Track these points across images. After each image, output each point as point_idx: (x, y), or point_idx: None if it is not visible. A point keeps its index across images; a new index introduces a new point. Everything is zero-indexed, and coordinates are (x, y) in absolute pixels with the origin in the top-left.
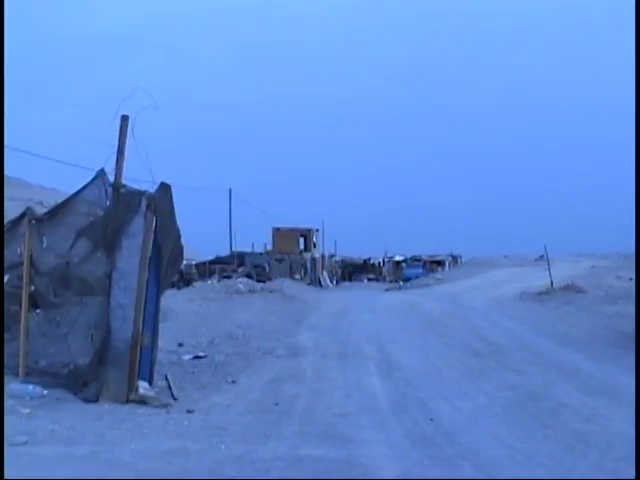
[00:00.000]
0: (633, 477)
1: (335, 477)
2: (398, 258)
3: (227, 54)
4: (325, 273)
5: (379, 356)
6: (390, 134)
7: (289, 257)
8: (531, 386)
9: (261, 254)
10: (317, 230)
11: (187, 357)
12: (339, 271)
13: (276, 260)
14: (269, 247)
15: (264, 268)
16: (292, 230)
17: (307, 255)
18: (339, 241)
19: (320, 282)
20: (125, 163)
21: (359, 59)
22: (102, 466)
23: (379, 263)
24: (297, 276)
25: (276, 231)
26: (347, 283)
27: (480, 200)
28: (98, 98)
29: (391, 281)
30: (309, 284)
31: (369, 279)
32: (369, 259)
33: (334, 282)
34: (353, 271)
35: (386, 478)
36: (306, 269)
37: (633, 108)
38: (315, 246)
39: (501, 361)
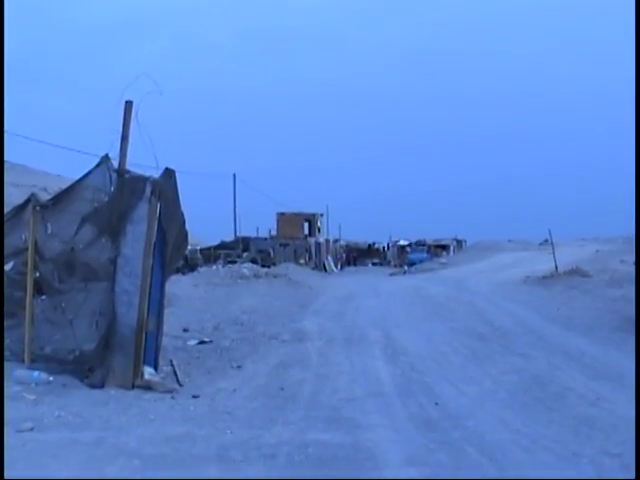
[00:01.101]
0: (633, 477)
1: (341, 462)
2: (403, 243)
3: (234, 40)
4: (330, 258)
5: (384, 341)
6: (395, 119)
7: (294, 242)
8: (536, 370)
9: (266, 239)
10: (321, 215)
11: (192, 342)
12: (344, 256)
13: (281, 245)
14: (274, 232)
15: (269, 253)
16: (296, 215)
17: (311, 240)
18: (343, 226)
19: (325, 267)
20: (129, 149)
21: (364, 43)
22: (108, 452)
23: (384, 248)
24: (302, 261)
25: (280, 216)
26: (352, 268)
27: (485, 184)
28: (103, 84)
29: (396, 266)
30: (314, 269)
31: (374, 264)
32: (373, 244)
33: (339, 267)
34: (358, 256)
35: (389, 479)
36: (311, 254)
37: (633, 94)
38: (319, 231)
39: (506, 345)
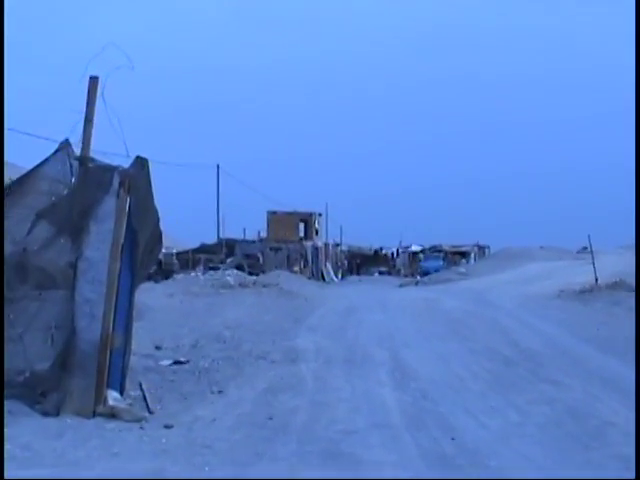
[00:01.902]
0: (633, 477)
1: None
2: (415, 248)
3: (223, 13)
4: (329, 265)
5: (392, 363)
6: (403, 106)
7: (287, 246)
8: (570, 400)
9: (254, 242)
10: (320, 215)
11: (166, 362)
12: (345, 263)
13: (271, 249)
14: (263, 234)
15: (257, 258)
16: (290, 214)
17: (308, 244)
18: (345, 228)
19: (323, 275)
20: (94, 133)
21: (371, 21)
22: None
23: (392, 254)
24: (296, 268)
25: (272, 215)
26: (354, 277)
27: (512, 181)
28: (66, 58)
29: (406, 275)
30: (310, 278)
31: (380, 272)
32: (381, 249)
33: (339, 276)
34: (362, 263)
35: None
36: (307, 260)
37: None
38: (317, 233)
39: (535, 370)
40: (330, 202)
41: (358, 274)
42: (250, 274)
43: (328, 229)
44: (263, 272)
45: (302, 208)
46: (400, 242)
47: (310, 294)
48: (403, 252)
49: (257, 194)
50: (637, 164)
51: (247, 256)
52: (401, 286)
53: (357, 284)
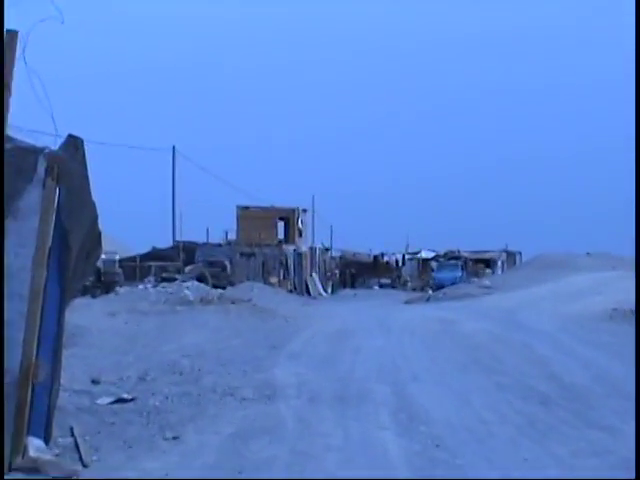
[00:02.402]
0: (633, 477)
1: None
2: (425, 255)
3: None
4: (315, 275)
5: (396, 401)
6: (412, 73)
7: (262, 251)
8: (627, 451)
9: (220, 246)
10: (304, 211)
11: (105, 400)
12: (337, 273)
13: (242, 255)
14: (232, 236)
15: (224, 267)
16: (267, 210)
17: (289, 248)
18: (337, 228)
19: (308, 289)
20: (14, 106)
21: None
22: None
23: (396, 262)
24: (274, 279)
25: (243, 211)
26: (348, 291)
27: (550, 170)
28: None
29: (415, 289)
30: (291, 291)
31: (382, 285)
32: (382, 255)
33: (329, 289)
34: (358, 273)
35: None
36: (287, 269)
37: None
38: (301, 235)
39: (581, 412)
40: (317, 195)
41: (353, 287)
42: (215, 287)
43: (315, 230)
44: (231, 284)
45: (282, 202)
46: (407, 247)
47: (292, 313)
48: (410, 259)
49: (224, 185)
50: (637, 165)
51: (211, 264)
52: (408, 302)
53: (352, 300)
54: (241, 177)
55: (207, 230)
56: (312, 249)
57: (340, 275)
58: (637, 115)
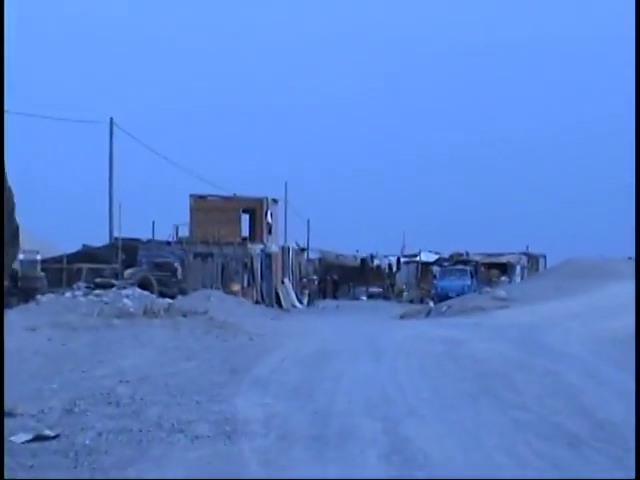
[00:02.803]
0: (633, 477)
1: None
2: (426, 258)
3: None
4: (288, 282)
5: (387, 440)
6: (416, 27)
7: (221, 251)
8: None
9: (169, 244)
10: (275, 202)
11: (22, 438)
12: (315, 279)
13: (197, 256)
14: (184, 232)
15: (174, 270)
16: (228, 201)
17: (255, 248)
18: (316, 224)
19: (279, 299)
20: None
21: None
22: None
23: (390, 266)
24: (236, 287)
25: (198, 202)
26: (329, 302)
27: (581, 161)
28: None
29: (412, 300)
30: (258, 302)
31: (371, 295)
32: (371, 258)
33: (305, 299)
34: (342, 279)
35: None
36: (253, 274)
37: None
38: (271, 231)
39: (619, 456)
40: (291, 183)
41: (335, 297)
42: (162, 295)
43: (288, 225)
44: (183, 292)
45: (247, 192)
46: (402, 248)
47: (258, 328)
48: (407, 263)
49: (175, 169)
50: (637, 166)
51: (158, 266)
52: (404, 317)
53: (334, 313)
54: (197, 160)
55: (153, 224)
56: (284, 249)
57: (319, 282)
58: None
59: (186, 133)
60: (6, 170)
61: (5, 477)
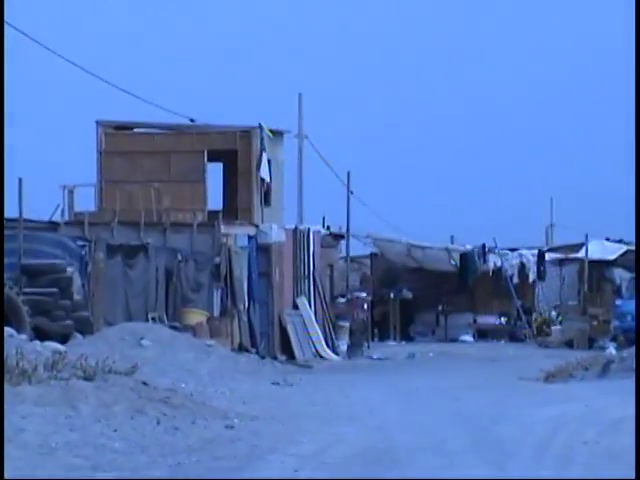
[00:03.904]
0: (633, 477)
1: None
2: (598, 251)
3: None
4: (306, 305)
5: None
6: None
7: (165, 241)
8: None
9: (54, 229)
10: (276, 135)
11: None
12: (365, 298)
13: (112, 253)
14: (85, 202)
15: (65, 283)
16: (177, 135)
17: (236, 235)
18: (362, 187)
19: (289, 340)
20: None
21: None
22: None
23: (521, 270)
24: (195, 316)
25: (115, 138)
26: (393, 345)
27: None
28: None
29: (571, 341)
30: (243, 347)
31: (481, 331)
32: (483, 254)
33: (343, 340)
34: (420, 298)
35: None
36: (232, 289)
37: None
38: (269, 199)
39: None
40: (309, 103)
41: (407, 335)
42: (40, 335)
43: (306, 185)
44: (84, 329)
45: (220, 119)
46: (549, 234)
47: (245, 404)
48: (558, 264)
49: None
50: (637, 162)
51: (31, 275)
52: (550, 379)
53: (403, 370)
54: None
55: (19, 185)
56: (298, 236)
57: (373, 304)
58: (637, 115)
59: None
60: None
61: (5, 477)
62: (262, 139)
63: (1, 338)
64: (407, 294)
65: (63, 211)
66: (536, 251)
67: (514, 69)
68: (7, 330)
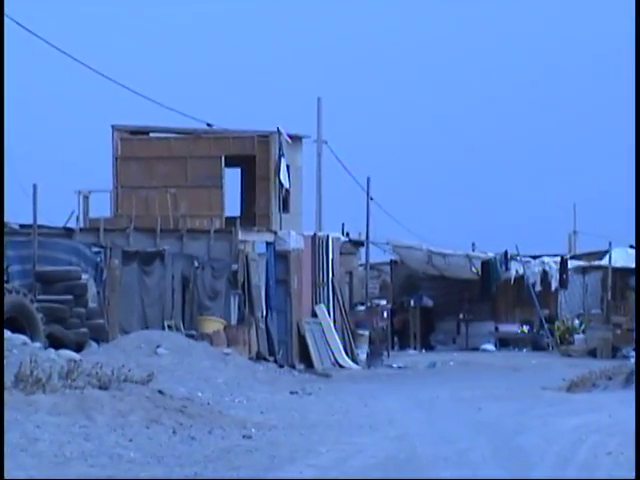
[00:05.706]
0: (633, 477)
1: None
2: (622, 259)
3: None
4: (325, 313)
5: None
6: None
7: (182, 248)
8: None
9: (69, 235)
10: (295, 141)
11: None
12: (385, 306)
13: (128, 260)
14: (101, 208)
15: (80, 290)
16: (194, 140)
17: (254, 242)
18: (379, 186)
19: (307, 349)
20: None
21: None
22: None
23: (544, 278)
24: (213, 324)
25: (130, 143)
26: (414, 353)
27: None
28: None
29: (595, 350)
30: (261, 356)
31: (503, 340)
32: (505, 261)
33: (363, 349)
34: (441, 306)
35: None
36: (250, 297)
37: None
38: (288, 206)
39: None
40: (328, 108)
41: (428, 343)
42: (55, 343)
43: (325, 192)
44: (99, 337)
45: (237, 124)
46: (572, 241)
47: (263, 413)
48: (581, 272)
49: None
50: (637, 162)
51: (45, 281)
52: (573, 389)
53: (425, 379)
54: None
55: (34, 192)
56: (317, 243)
57: (393, 312)
58: (637, 115)
59: None
60: None
61: (5, 477)
62: (280, 144)
63: (1, 340)
64: (427, 302)
65: (78, 217)
66: (559, 259)
67: (540, 76)
68: (21, 338)
